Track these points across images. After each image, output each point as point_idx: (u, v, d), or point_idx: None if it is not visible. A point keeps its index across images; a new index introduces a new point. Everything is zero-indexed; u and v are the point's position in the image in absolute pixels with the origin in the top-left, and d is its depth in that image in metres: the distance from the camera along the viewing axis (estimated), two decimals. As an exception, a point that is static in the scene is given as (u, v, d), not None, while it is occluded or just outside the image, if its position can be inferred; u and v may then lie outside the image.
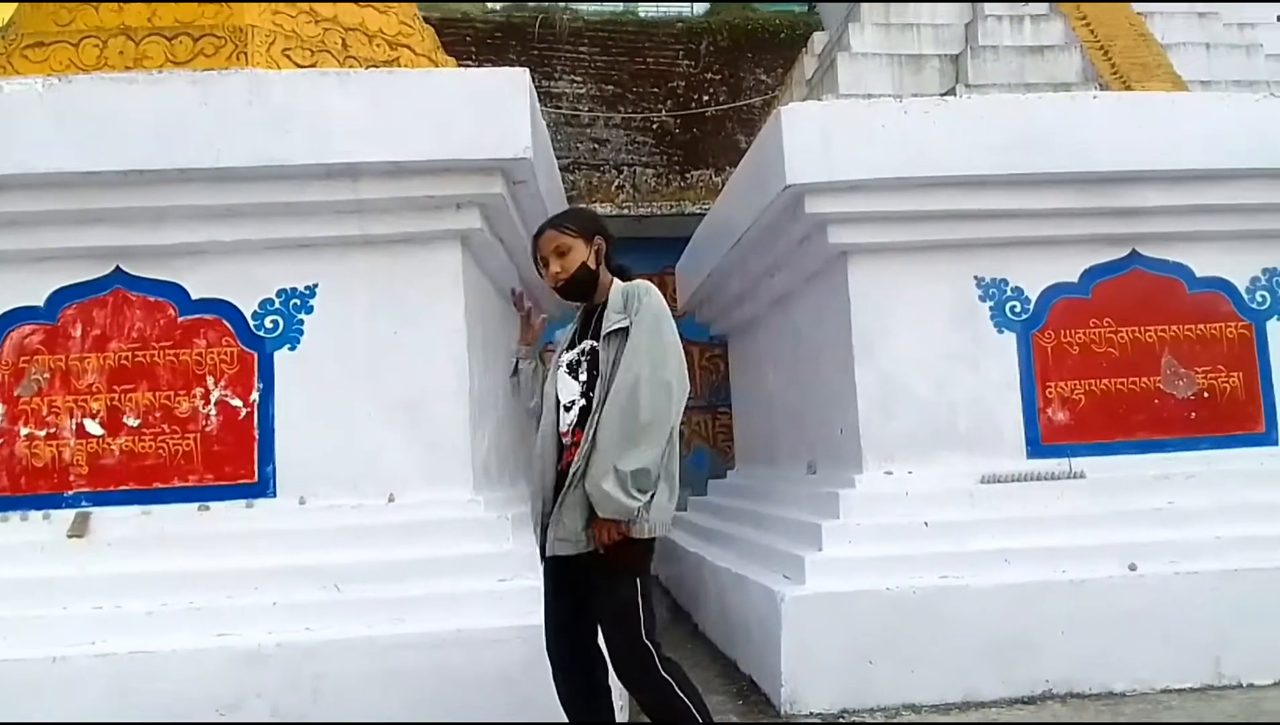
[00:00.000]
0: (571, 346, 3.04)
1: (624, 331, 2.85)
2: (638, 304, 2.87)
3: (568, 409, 2.94)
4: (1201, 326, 4.72)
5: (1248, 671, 4.06)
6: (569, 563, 2.89)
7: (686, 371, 2.88)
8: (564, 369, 2.99)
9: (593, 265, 3.00)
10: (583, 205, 3.50)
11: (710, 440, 9.06)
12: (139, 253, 4.15)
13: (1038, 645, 4.03)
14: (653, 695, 2.79)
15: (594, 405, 2.84)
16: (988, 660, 4.00)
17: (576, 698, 2.97)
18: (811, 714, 3.92)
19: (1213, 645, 4.07)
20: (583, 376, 2.92)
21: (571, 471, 2.84)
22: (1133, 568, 4.15)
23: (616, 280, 3.02)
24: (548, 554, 2.93)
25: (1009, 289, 4.68)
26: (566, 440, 2.93)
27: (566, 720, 3.04)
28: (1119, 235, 4.70)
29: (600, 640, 2.92)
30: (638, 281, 2.98)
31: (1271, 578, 4.13)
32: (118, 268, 4.17)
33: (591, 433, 2.80)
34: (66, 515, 4.00)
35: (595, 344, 2.92)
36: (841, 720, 3.86)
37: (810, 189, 4.44)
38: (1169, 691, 3.99)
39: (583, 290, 3.02)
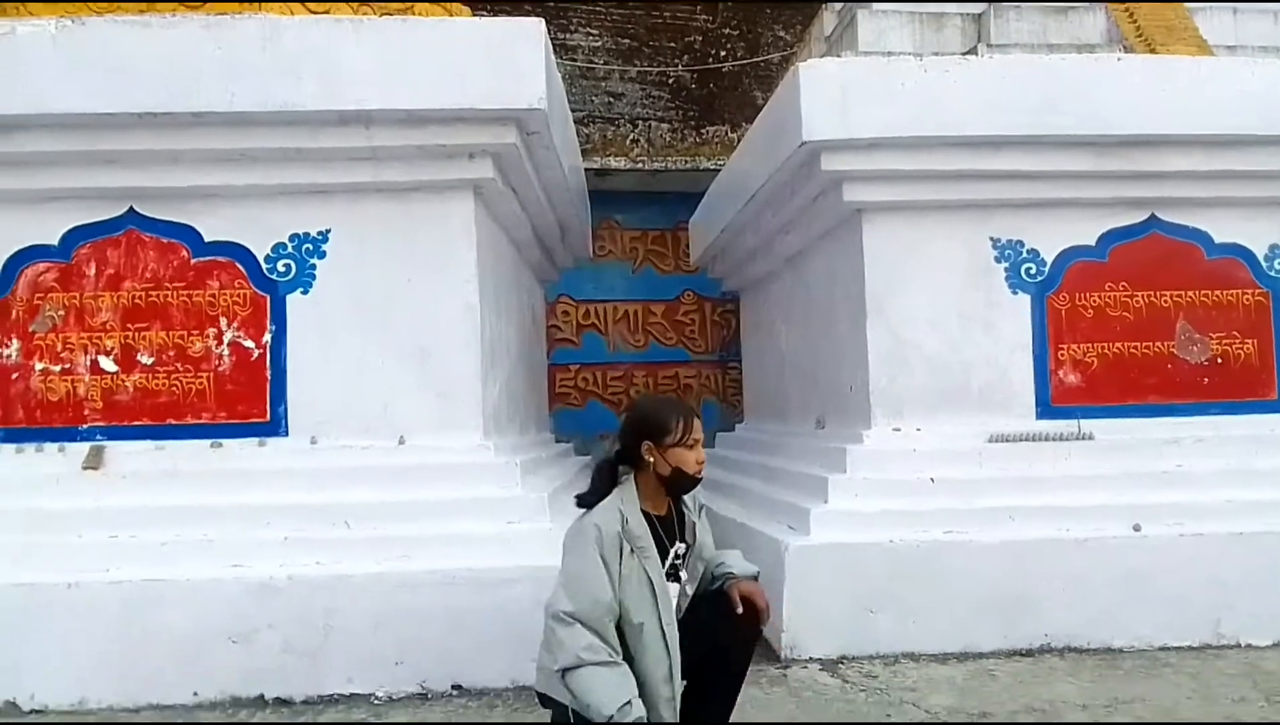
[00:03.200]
0: (661, 550, 2.87)
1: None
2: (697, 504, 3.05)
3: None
4: (1218, 293, 4.71)
5: (1247, 632, 4.08)
6: None
7: None
8: (665, 573, 2.86)
9: None
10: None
11: (719, 394, 9.08)
12: (152, 194, 4.17)
13: (1038, 601, 4.06)
14: None
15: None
16: (988, 614, 4.04)
17: None
18: (811, 659, 3.97)
19: (1213, 606, 4.09)
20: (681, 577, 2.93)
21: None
22: (1137, 528, 4.17)
23: None
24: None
25: (1025, 251, 4.67)
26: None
27: None
28: (1138, 199, 4.66)
29: None
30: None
31: (1276, 541, 4.15)
32: (131, 209, 4.20)
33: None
34: (81, 448, 4.07)
35: (685, 546, 2.94)
36: (840, 666, 3.91)
37: (827, 146, 4.42)
38: (1167, 649, 4.02)
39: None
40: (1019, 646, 4.03)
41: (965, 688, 3.62)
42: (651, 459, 2.82)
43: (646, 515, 2.85)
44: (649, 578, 2.76)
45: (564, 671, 2.60)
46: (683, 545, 2.90)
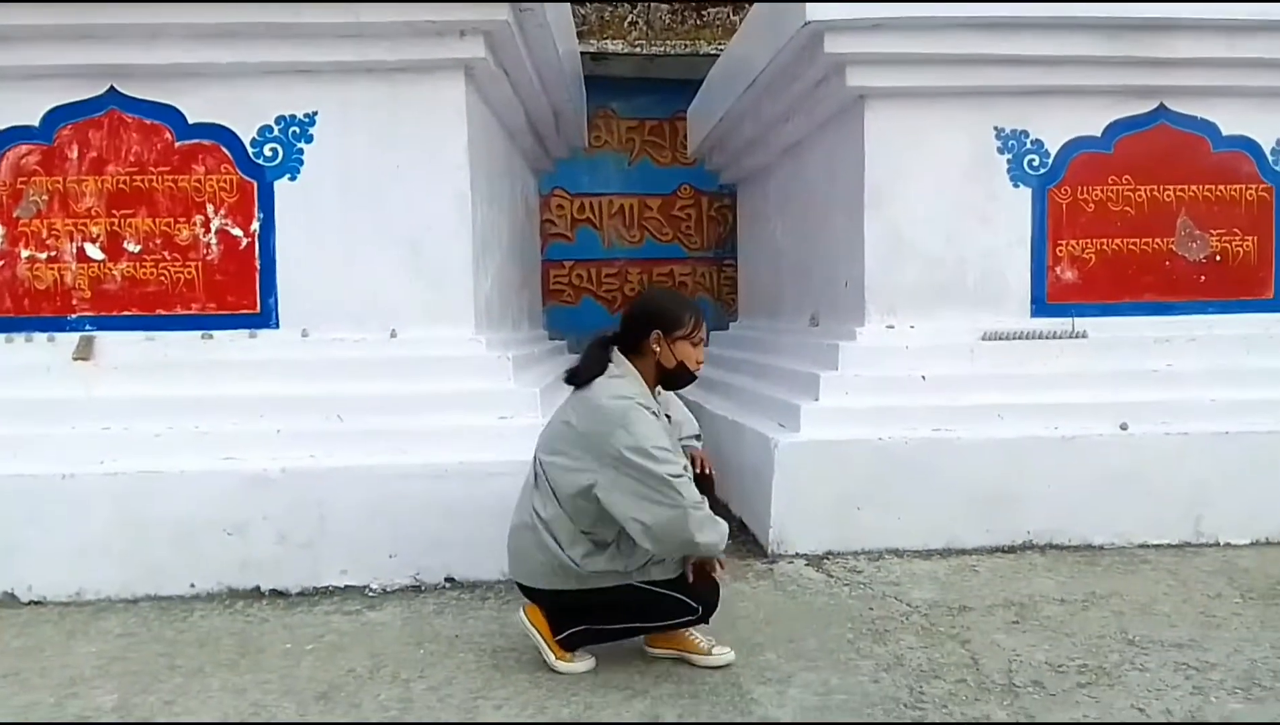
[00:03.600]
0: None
1: None
2: None
3: None
4: (1222, 187, 4.64)
5: (1226, 531, 4.15)
6: None
7: None
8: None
9: None
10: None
11: (714, 292, 9.02)
12: (134, 72, 4.05)
13: (1022, 498, 4.12)
14: None
15: None
16: (973, 510, 4.10)
17: None
18: (797, 554, 4.05)
19: (1194, 504, 4.15)
20: None
21: None
22: (1124, 427, 4.19)
23: None
24: None
25: (1029, 141, 4.56)
26: None
27: None
28: (1147, 87, 4.54)
29: None
30: None
31: (1260, 441, 4.19)
32: (112, 88, 4.08)
33: None
34: (71, 338, 4.05)
35: None
36: (825, 561, 3.99)
37: (830, 26, 4.27)
38: (1147, 546, 4.10)
39: None
40: (1002, 543, 4.10)
41: (947, 582, 3.71)
42: (658, 349, 2.90)
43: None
44: (688, 460, 2.91)
45: (689, 511, 2.69)
46: None
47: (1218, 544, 4.13)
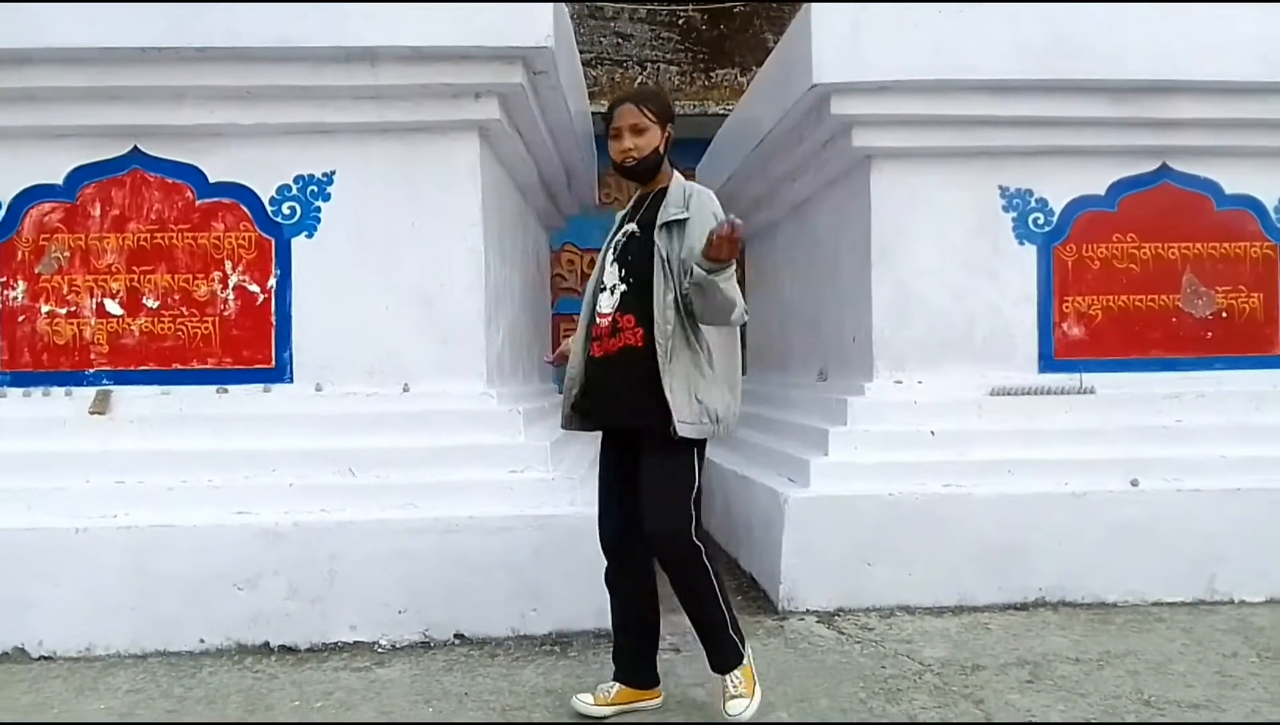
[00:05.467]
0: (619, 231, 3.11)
1: (681, 223, 2.91)
2: (698, 201, 2.95)
3: (611, 292, 3.00)
4: (1226, 245, 4.68)
5: (1240, 588, 4.13)
6: (624, 439, 3.00)
7: None
8: (612, 252, 3.06)
9: (662, 151, 3.04)
10: (657, 88, 3.34)
11: (724, 345, 9.05)
12: (157, 132, 4.15)
13: (1034, 554, 4.10)
14: (682, 556, 2.88)
15: (639, 288, 2.93)
16: (984, 567, 4.09)
17: (625, 578, 3.02)
18: (808, 611, 4.03)
19: (1208, 561, 4.13)
20: (628, 259, 2.99)
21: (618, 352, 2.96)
22: (1135, 483, 4.19)
23: (677, 174, 3.09)
24: (609, 425, 3.04)
25: (1033, 200, 4.63)
26: (603, 320, 2.97)
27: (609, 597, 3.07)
28: (1150, 147, 4.61)
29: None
30: (698, 185, 3.05)
31: (1273, 498, 4.17)
32: (135, 148, 4.17)
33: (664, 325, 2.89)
34: (88, 392, 4.09)
35: (635, 230, 3.01)
36: (836, 618, 3.97)
37: (837, 89, 4.36)
38: (1160, 604, 4.07)
39: (646, 174, 3.05)
40: (1013, 600, 4.08)
41: (959, 640, 3.68)
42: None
43: (640, 197, 3.11)
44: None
45: None
46: (631, 227, 3.03)
47: (1232, 601, 4.10)
